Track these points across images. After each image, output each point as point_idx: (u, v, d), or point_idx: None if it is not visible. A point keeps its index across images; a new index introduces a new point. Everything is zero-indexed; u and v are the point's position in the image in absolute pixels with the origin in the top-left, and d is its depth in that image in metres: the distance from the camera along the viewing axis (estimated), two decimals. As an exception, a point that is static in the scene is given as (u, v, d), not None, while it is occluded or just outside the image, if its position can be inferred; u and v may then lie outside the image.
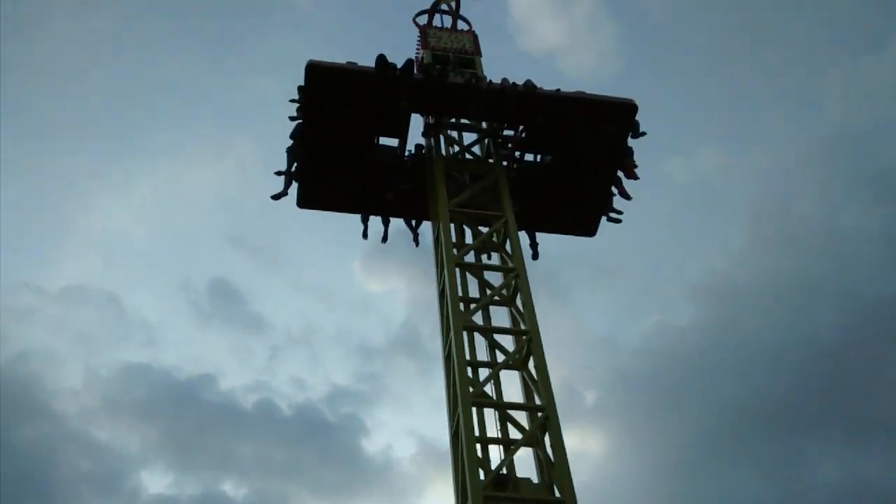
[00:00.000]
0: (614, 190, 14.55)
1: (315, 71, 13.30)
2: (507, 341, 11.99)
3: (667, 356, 32.54)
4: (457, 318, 11.35)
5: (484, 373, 11.71)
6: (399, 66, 13.48)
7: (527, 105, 13.66)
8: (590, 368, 33.75)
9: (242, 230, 37.72)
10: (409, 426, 42.57)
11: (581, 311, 36.78)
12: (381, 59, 13.36)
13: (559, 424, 10.36)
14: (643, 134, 14.14)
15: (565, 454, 10.09)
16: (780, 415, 30.05)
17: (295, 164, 13.97)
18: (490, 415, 10.96)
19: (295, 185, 14.20)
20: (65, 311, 37.16)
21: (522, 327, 11.78)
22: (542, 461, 10.43)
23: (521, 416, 10.89)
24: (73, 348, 40.09)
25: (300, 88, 13.55)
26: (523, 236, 14.06)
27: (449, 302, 11.60)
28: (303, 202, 14.53)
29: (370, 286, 37.81)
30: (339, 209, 14.99)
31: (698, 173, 38.98)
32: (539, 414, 10.66)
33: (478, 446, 10.31)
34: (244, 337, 39.42)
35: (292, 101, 13.70)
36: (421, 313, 33.72)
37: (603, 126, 13.79)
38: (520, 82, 13.89)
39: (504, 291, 12.40)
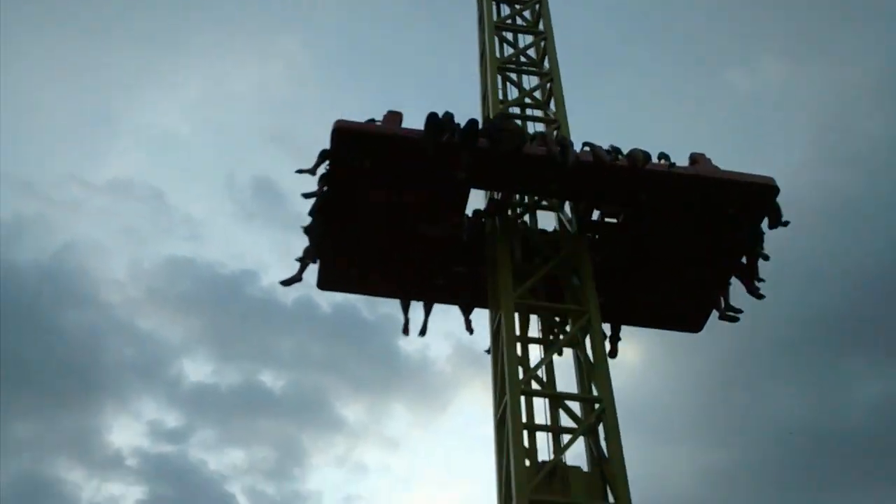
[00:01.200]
0: (733, 281, 11.92)
1: (344, 136, 10.51)
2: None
3: None
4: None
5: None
6: (452, 118, 10.64)
7: (630, 184, 10.90)
8: None
9: (286, 129, 38.61)
10: (446, 328, 38.68)
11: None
12: (433, 120, 10.44)
13: (615, 413, 10.09)
14: (785, 223, 11.26)
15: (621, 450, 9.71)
16: (821, 332, 29.30)
17: (314, 246, 11.34)
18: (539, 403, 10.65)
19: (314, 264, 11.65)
20: (111, 204, 40.26)
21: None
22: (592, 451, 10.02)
23: (575, 405, 10.63)
24: (118, 241, 42.25)
25: (323, 155, 10.73)
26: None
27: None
28: (324, 284, 12.03)
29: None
30: (372, 293, 12.64)
31: (760, 84, 37.50)
32: (595, 406, 10.34)
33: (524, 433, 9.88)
34: (286, 235, 38.16)
35: (300, 171, 10.84)
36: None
37: (729, 209, 11.06)
38: (611, 144, 11.11)
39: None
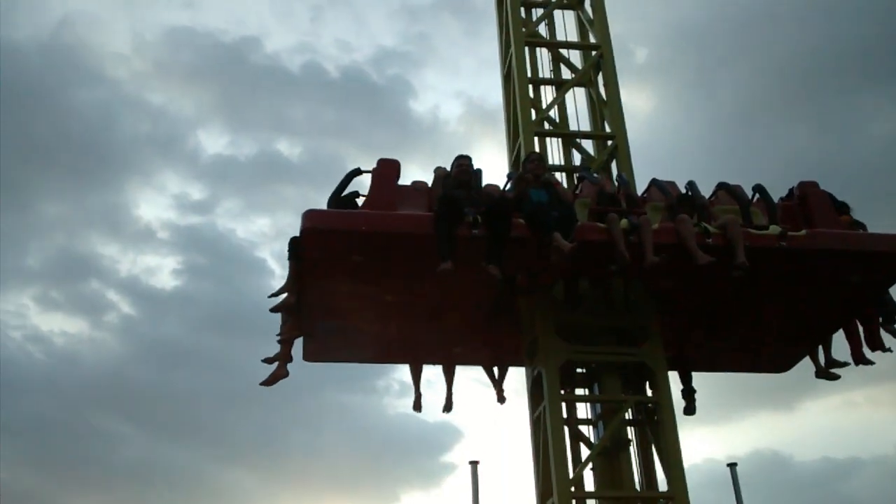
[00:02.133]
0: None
1: (318, 237, 7.61)
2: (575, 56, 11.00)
3: (725, 4, 31.79)
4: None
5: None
6: (469, 191, 8.09)
7: (724, 264, 7.67)
8: (643, 21, 31.97)
9: None
10: (457, 88, 43.46)
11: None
12: (444, 211, 7.58)
13: (628, 151, 9.61)
14: None
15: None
16: (835, 69, 29.77)
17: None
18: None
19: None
20: None
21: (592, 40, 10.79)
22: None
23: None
24: (115, 12, 40.49)
25: (293, 245, 7.98)
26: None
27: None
28: (311, 356, 9.35)
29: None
30: (372, 361, 10.15)
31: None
32: (608, 142, 9.77)
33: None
34: None
35: (274, 310, 7.99)
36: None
37: (851, 278, 8.41)
38: (690, 182, 8.77)
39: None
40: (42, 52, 33.11)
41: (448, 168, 8.50)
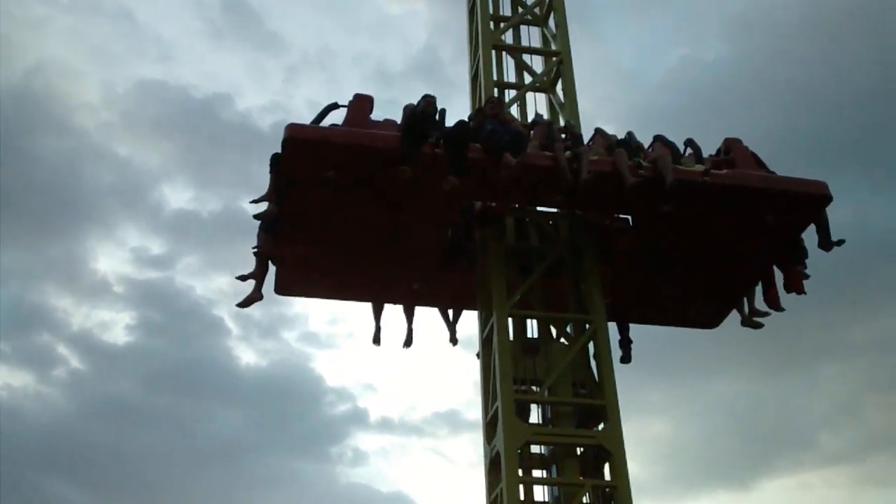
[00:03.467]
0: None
1: (298, 146, 8.42)
2: (537, 63, 11.64)
3: (692, 92, 32.15)
4: (486, 36, 11.10)
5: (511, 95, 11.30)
6: (433, 112, 8.85)
7: (654, 196, 8.77)
8: (611, 101, 32.68)
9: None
10: None
11: (609, 41, 36.46)
12: (411, 122, 8.56)
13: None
14: (838, 243, 9.44)
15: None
16: (801, 154, 29.59)
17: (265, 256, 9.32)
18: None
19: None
20: (79, 21, 38.12)
21: (553, 48, 11.47)
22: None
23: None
24: (88, 62, 40.77)
25: (274, 160, 8.75)
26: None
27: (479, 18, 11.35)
28: (282, 289, 10.04)
29: (390, 7, 38.73)
30: (338, 297, 10.78)
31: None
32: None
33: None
34: (259, 56, 39.68)
35: (254, 201, 8.78)
36: (443, 37, 34.02)
37: (767, 218, 9.22)
38: (629, 133, 9.77)
39: (537, 10, 11.88)
40: (12, 97, 33.09)
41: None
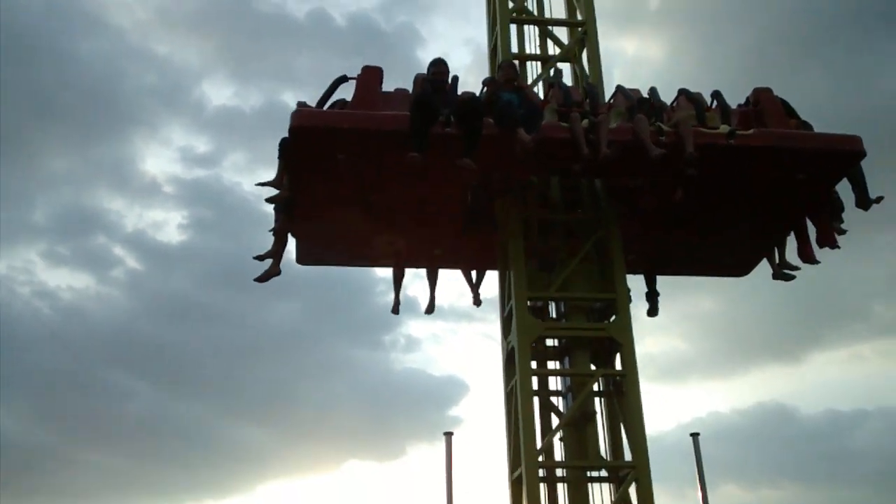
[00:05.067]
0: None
1: (306, 134, 8.29)
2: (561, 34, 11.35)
3: None
4: (504, 7, 10.85)
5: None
6: (444, 85, 8.69)
7: (678, 162, 8.43)
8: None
9: None
10: (466, 35, 43.08)
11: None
12: (420, 105, 8.21)
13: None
14: (877, 200, 9.18)
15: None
16: (851, 14, 30.41)
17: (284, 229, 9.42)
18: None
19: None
20: None
21: (578, 17, 11.14)
22: None
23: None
24: None
25: (283, 144, 8.61)
26: (637, 281, 10.52)
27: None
28: (304, 259, 10.30)
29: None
30: (359, 264, 11.08)
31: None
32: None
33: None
34: None
35: (261, 184, 8.73)
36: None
37: (800, 176, 9.07)
38: (652, 88, 9.51)
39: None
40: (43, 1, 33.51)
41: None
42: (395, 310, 10.46)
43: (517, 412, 8.58)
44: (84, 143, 37.42)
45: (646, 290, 10.54)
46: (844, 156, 8.92)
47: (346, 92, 9.09)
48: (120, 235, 36.83)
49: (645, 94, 9.47)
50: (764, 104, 9.49)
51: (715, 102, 9.48)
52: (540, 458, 8.41)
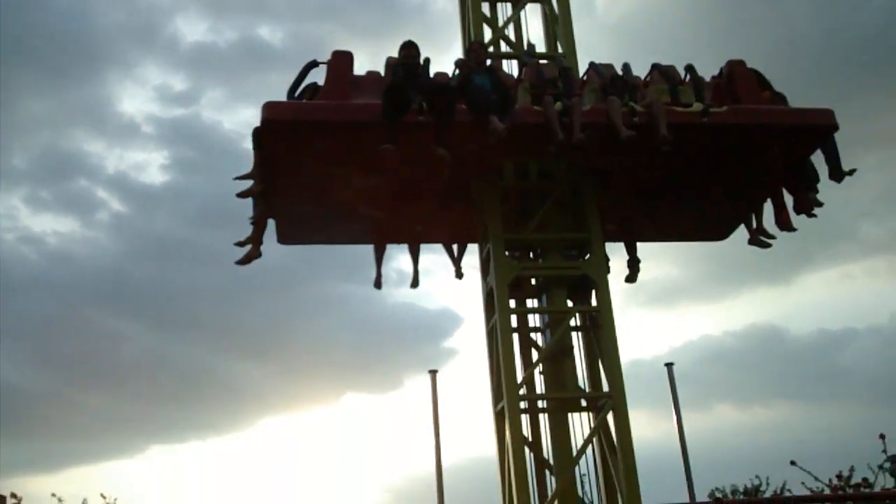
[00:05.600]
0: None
1: (277, 128, 8.47)
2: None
3: None
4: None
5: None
6: (416, 71, 8.67)
7: (652, 140, 8.60)
8: None
9: None
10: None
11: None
12: (392, 95, 8.21)
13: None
14: (849, 173, 9.41)
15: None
16: None
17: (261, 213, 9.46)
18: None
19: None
20: None
21: None
22: None
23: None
24: None
25: (257, 135, 8.78)
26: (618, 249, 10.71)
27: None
28: (285, 239, 10.41)
29: None
30: (339, 242, 11.07)
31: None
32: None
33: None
34: None
35: (238, 178, 8.88)
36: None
37: (771, 149, 9.40)
38: (625, 64, 9.64)
39: None
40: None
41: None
42: (378, 284, 10.57)
43: (498, 349, 9.05)
44: (58, 84, 37.17)
45: (627, 257, 10.72)
46: (817, 130, 9.21)
47: (319, 76, 9.15)
48: (102, 178, 36.89)
49: (619, 71, 9.58)
50: (737, 76, 9.63)
51: (688, 76, 9.65)
52: (521, 391, 8.91)
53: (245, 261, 9.23)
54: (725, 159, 9.52)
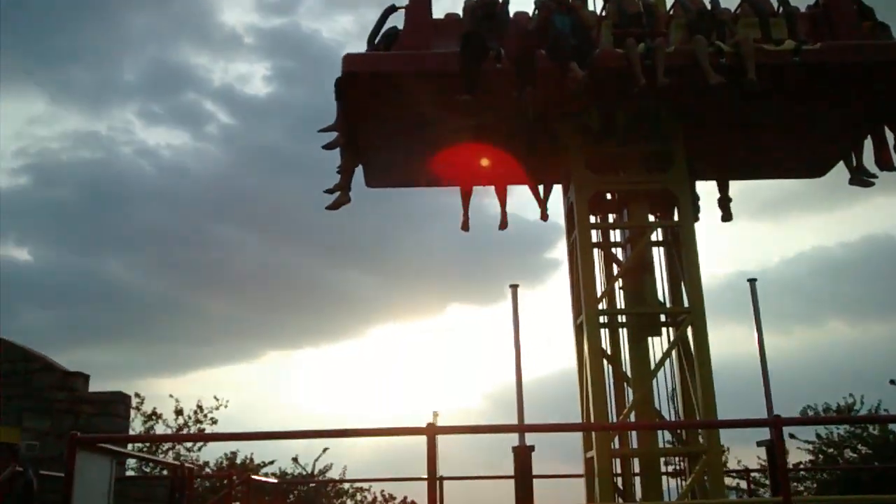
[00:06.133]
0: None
1: (356, 80, 8.66)
2: None
3: None
4: None
5: None
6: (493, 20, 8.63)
7: (740, 80, 8.35)
8: None
9: None
10: None
11: None
12: (469, 46, 8.32)
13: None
14: None
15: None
16: None
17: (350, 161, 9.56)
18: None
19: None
20: None
21: None
22: None
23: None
24: None
25: (338, 88, 8.87)
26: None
27: None
28: (372, 183, 10.68)
29: None
30: (427, 185, 11.11)
31: None
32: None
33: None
34: None
35: (323, 130, 9.07)
36: None
37: (872, 85, 8.91)
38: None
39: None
40: None
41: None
42: (465, 226, 10.61)
43: (578, 263, 9.19)
44: (157, -4, 38.06)
45: (718, 195, 10.45)
46: None
47: (399, 20, 9.21)
48: (209, 90, 38.13)
49: (707, 3, 9.17)
50: (834, 6, 9.14)
51: (781, 8, 9.16)
52: (600, 306, 9.07)
53: (334, 206, 9.34)
54: (822, 97, 9.09)
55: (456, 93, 8.26)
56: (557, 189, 10.47)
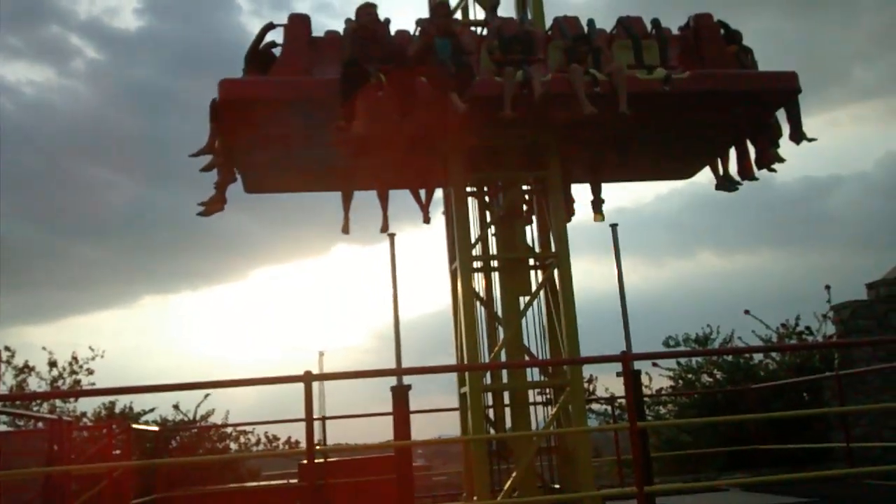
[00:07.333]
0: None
1: (232, 108, 8.78)
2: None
3: None
4: None
5: None
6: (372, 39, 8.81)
7: (614, 106, 8.97)
8: None
9: None
10: None
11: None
12: (348, 77, 8.46)
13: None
14: (809, 140, 9.91)
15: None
16: None
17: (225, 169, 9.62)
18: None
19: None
20: None
21: None
22: None
23: None
24: None
25: (213, 107, 8.99)
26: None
27: None
28: (251, 188, 10.87)
29: None
30: (306, 190, 11.33)
31: None
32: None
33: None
34: None
35: (193, 155, 9.16)
36: None
37: (734, 109, 9.87)
38: (590, 21, 10.00)
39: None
40: None
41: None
42: (345, 229, 10.68)
43: (452, 211, 9.86)
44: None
45: (591, 197, 10.97)
46: (780, 93, 9.72)
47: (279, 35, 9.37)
48: (74, 24, 36.37)
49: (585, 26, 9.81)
50: (703, 31, 9.95)
51: (654, 30, 9.88)
52: (474, 252, 9.81)
53: (207, 213, 9.46)
54: (690, 117, 9.99)
55: (335, 121, 8.50)
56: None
